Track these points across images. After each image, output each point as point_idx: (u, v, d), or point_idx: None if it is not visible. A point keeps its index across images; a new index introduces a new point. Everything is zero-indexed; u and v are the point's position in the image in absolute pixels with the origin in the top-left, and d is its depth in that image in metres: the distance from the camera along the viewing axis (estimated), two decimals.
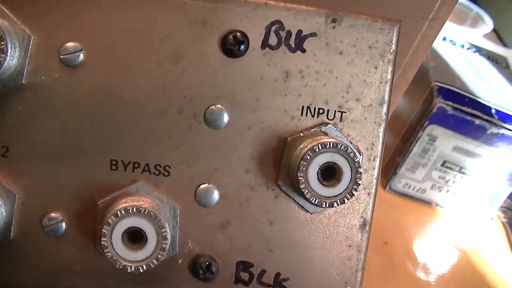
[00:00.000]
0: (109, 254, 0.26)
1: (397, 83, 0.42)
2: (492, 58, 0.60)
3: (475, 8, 0.73)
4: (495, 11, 0.72)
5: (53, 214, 0.28)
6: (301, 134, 0.28)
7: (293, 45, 0.27)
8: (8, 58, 0.25)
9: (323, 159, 0.26)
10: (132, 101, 0.27)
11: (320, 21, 0.27)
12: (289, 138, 0.28)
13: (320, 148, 0.26)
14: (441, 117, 0.47)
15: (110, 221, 0.25)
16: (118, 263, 0.26)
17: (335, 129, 0.28)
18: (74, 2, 0.26)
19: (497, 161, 0.49)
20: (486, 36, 0.68)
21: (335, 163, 0.26)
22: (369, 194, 0.29)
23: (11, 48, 0.25)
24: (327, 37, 0.28)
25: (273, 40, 0.27)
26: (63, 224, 0.28)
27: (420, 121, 0.48)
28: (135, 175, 0.28)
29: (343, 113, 0.28)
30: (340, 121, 0.28)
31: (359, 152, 0.28)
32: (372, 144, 0.29)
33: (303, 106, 0.28)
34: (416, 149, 0.49)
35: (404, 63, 0.40)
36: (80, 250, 0.28)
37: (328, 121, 0.28)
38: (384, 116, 0.29)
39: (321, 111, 0.28)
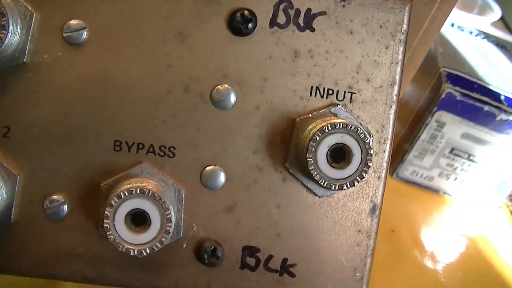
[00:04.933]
0: (111, 236, 0.25)
1: (405, 68, 0.42)
2: (501, 45, 0.59)
3: None
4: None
5: (55, 197, 0.27)
6: (310, 115, 0.27)
7: (302, 24, 0.27)
8: (9, 35, 0.24)
9: (332, 140, 0.25)
10: (137, 80, 0.26)
11: None
12: (297, 119, 0.27)
13: (330, 128, 0.25)
14: (450, 103, 0.46)
15: (112, 202, 0.25)
16: (121, 246, 0.25)
17: (345, 110, 0.27)
18: None
19: (506, 149, 0.48)
20: (493, 24, 0.67)
21: (345, 145, 0.25)
22: (379, 177, 0.28)
23: (12, 25, 0.24)
24: (336, 16, 0.27)
25: (281, 19, 0.27)
26: (65, 207, 0.27)
27: (428, 107, 0.47)
28: (139, 156, 0.27)
29: (353, 94, 0.27)
30: (350, 102, 0.27)
31: (369, 134, 0.28)
32: (383, 126, 0.28)
33: (312, 87, 0.27)
34: (424, 136, 0.48)
35: (413, 46, 0.39)
36: (82, 233, 0.28)
37: (337, 102, 0.27)
38: (395, 97, 0.28)
39: (330, 91, 0.27)
